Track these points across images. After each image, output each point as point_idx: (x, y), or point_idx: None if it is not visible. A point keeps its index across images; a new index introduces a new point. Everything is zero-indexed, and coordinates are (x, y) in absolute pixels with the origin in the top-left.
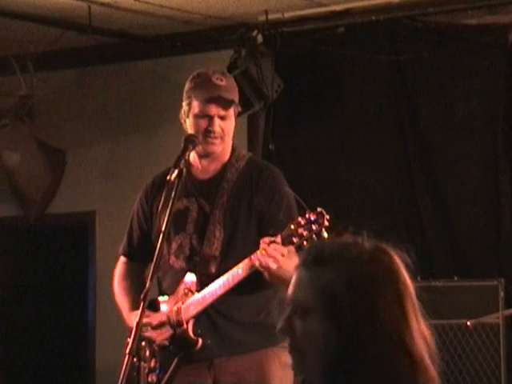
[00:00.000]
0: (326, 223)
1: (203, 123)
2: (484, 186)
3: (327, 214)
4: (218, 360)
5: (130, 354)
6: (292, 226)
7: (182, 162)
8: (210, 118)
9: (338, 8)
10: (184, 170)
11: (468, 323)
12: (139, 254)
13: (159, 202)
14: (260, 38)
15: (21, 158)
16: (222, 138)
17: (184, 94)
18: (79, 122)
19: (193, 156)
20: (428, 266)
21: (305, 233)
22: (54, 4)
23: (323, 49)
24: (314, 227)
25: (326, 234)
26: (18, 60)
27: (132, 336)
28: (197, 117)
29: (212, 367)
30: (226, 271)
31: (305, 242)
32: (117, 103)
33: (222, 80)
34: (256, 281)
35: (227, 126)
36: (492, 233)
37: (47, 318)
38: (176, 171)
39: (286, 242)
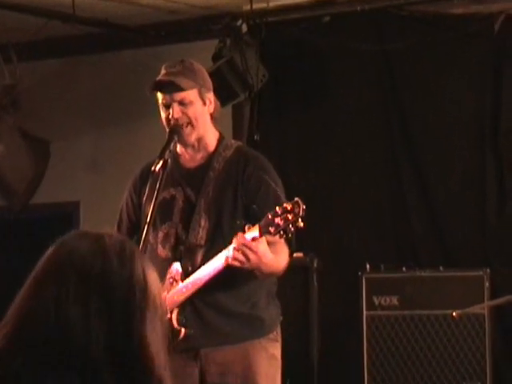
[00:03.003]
0: (302, 213)
1: (166, 113)
2: (470, 177)
3: (303, 203)
4: (205, 350)
5: None
6: (269, 216)
7: (167, 152)
8: (169, 106)
9: None
10: (169, 160)
11: (454, 313)
12: None
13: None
14: (245, 28)
15: (4, 149)
16: (191, 125)
17: None
18: (63, 112)
19: (179, 146)
20: (414, 256)
21: (281, 223)
22: None
23: (308, 38)
24: (289, 217)
25: (301, 224)
26: (1, 50)
27: None
28: (161, 108)
29: (198, 357)
30: (211, 260)
31: (281, 232)
32: (101, 93)
33: (173, 67)
34: (242, 271)
35: (190, 110)
36: (478, 223)
37: None
38: (161, 162)
39: (264, 232)
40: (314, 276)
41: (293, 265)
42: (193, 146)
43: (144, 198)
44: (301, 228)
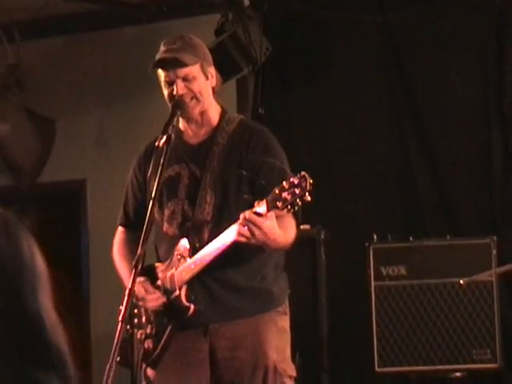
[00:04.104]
0: (309, 187)
1: (169, 90)
2: (476, 146)
3: (310, 177)
4: (214, 326)
5: (122, 321)
6: (276, 191)
7: (170, 127)
8: (173, 83)
9: None
10: (172, 135)
11: (461, 282)
12: (136, 222)
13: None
14: (247, 1)
15: (11, 128)
16: (195, 99)
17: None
18: (68, 90)
19: (182, 122)
20: (421, 226)
21: (288, 197)
22: None
23: (311, 10)
24: (297, 191)
25: (309, 198)
26: (3, 29)
27: (124, 303)
28: (164, 86)
29: (208, 333)
30: (218, 236)
31: (289, 207)
32: (105, 70)
33: (174, 43)
34: (250, 245)
35: (195, 85)
36: (484, 191)
37: None
38: (164, 137)
39: (271, 206)
40: (321, 248)
41: (300, 237)
42: (196, 121)
43: (148, 175)
44: (308, 202)
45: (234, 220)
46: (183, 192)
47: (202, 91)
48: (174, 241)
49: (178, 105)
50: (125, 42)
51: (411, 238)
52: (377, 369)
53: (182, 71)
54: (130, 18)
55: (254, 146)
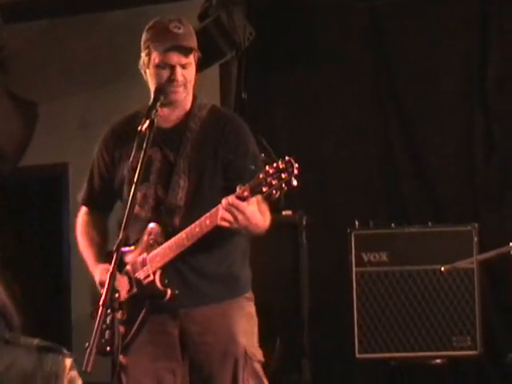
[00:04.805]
0: (296, 172)
1: (165, 73)
2: (459, 135)
3: (296, 162)
4: (183, 310)
5: (103, 305)
6: (261, 176)
7: (153, 112)
8: (172, 68)
9: None
10: (155, 120)
11: (442, 268)
12: (101, 202)
13: (121, 150)
14: None
15: None
16: (184, 86)
17: (142, 45)
18: (52, 73)
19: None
20: (403, 213)
21: (274, 182)
22: None
23: None
24: (283, 176)
25: (295, 183)
26: None
27: (105, 287)
28: (158, 67)
29: (178, 317)
30: (191, 221)
31: (274, 191)
32: (90, 54)
33: (179, 28)
34: (219, 232)
35: (189, 73)
36: (466, 179)
37: (21, 271)
38: (147, 122)
39: (255, 191)
40: (303, 233)
41: (282, 222)
42: (172, 105)
43: (120, 156)
44: (294, 187)
45: (207, 206)
46: (155, 176)
47: (191, 79)
48: (145, 224)
49: (162, 90)
50: (109, 26)
51: (393, 225)
52: (357, 355)
53: (185, 59)
54: (115, 1)
55: (228, 132)
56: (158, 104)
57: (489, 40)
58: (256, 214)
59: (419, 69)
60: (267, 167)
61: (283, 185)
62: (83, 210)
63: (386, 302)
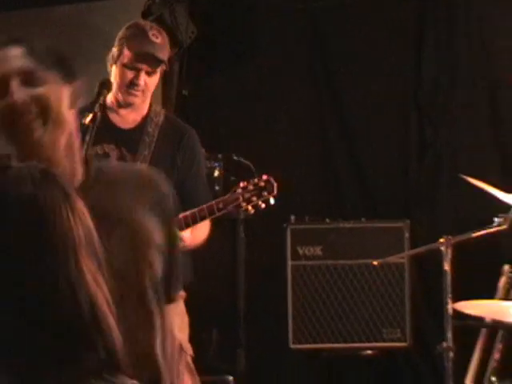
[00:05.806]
0: (275, 192)
1: (130, 74)
2: (394, 133)
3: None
4: None
5: None
6: (239, 190)
7: (97, 106)
8: (137, 71)
9: None
10: (99, 114)
11: (374, 263)
12: None
13: None
14: None
15: None
16: (143, 92)
17: (116, 40)
18: None
19: (111, 102)
20: (338, 209)
21: (254, 198)
22: None
23: None
24: (264, 194)
25: (272, 202)
26: None
27: None
28: (125, 67)
29: None
30: None
31: (250, 208)
32: None
33: (157, 37)
34: None
35: (152, 81)
36: (400, 177)
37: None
38: (90, 115)
39: (232, 205)
40: (241, 227)
41: (222, 217)
42: (129, 107)
43: None
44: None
45: None
46: None
47: (152, 87)
48: None
49: (105, 84)
50: (55, 21)
51: (328, 220)
52: (291, 345)
53: (153, 68)
54: None
55: (184, 147)
56: (102, 98)
57: (424, 41)
58: (195, 238)
59: (356, 69)
60: (244, 183)
61: (260, 202)
62: None
63: (319, 294)
